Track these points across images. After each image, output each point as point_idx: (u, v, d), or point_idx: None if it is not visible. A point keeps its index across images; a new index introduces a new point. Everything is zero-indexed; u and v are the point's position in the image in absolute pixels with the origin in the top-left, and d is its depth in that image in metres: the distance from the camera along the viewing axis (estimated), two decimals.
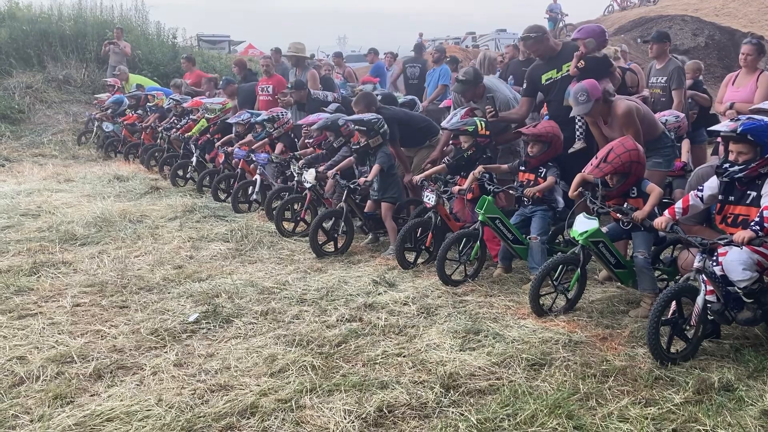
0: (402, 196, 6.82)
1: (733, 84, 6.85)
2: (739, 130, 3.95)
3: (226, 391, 3.77)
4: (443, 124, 6.89)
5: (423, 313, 4.94)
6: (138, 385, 3.86)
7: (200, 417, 3.48)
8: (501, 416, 3.43)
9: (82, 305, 5.15)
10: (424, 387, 3.75)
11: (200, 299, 5.22)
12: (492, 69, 7.96)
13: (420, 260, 6.21)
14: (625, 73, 7.56)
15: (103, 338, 4.52)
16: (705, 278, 4.02)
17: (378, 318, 4.81)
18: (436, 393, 3.69)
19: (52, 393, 3.72)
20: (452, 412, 3.50)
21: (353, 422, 3.40)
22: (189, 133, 10.49)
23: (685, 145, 6.85)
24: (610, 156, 4.74)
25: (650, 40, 7.85)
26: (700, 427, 3.32)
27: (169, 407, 3.56)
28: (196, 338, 4.53)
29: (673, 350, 4.13)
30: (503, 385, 3.79)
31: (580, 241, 4.76)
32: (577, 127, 6.01)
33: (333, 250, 6.64)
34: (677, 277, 4.90)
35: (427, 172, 6.27)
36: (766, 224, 3.82)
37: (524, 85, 6.50)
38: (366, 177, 6.53)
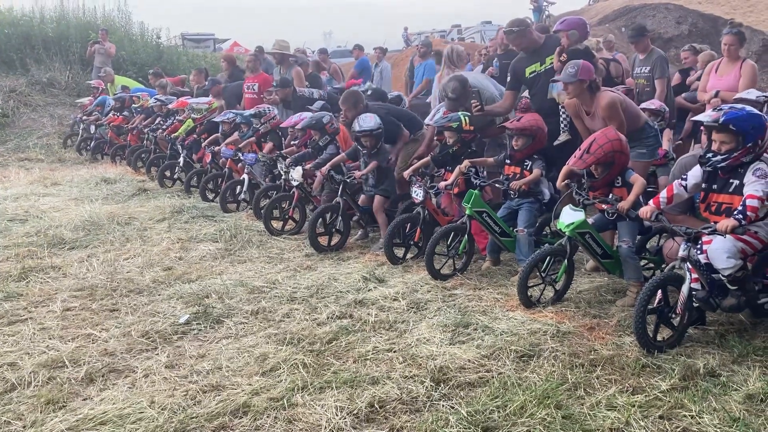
0: (395, 190, 6.87)
1: (716, 72, 6.92)
2: (721, 120, 3.99)
3: (218, 391, 3.79)
4: (427, 120, 6.91)
5: (413, 308, 4.98)
6: (130, 387, 3.87)
7: (193, 418, 3.50)
8: (491, 408, 3.48)
9: (72, 309, 5.14)
10: (415, 381, 3.79)
11: (190, 300, 5.23)
12: (461, 62, 7.99)
13: (409, 255, 6.24)
14: (609, 64, 7.62)
15: (94, 342, 4.53)
16: (690, 267, 4.06)
17: (368, 314, 4.84)
18: (426, 387, 3.72)
19: (44, 398, 3.72)
20: (443, 406, 3.54)
21: (345, 418, 3.43)
22: (176, 134, 10.48)
23: (667, 134, 6.92)
24: (593, 147, 4.78)
25: (631, 41, 7.93)
26: (686, 413, 3.38)
27: (162, 409, 3.58)
28: (187, 339, 4.55)
29: (659, 338, 4.18)
30: (493, 377, 3.84)
31: (566, 233, 4.80)
32: (561, 119, 6.06)
33: (326, 245, 6.65)
34: (663, 266, 4.96)
35: (414, 166, 6.30)
36: (749, 213, 3.86)
37: (508, 79, 6.54)
38: (361, 171, 6.60)
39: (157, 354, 4.31)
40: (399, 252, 6.23)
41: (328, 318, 4.80)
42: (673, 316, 4.15)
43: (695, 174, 4.30)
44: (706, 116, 4.16)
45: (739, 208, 3.92)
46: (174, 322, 4.79)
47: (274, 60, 10.07)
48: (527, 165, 5.66)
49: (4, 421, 3.54)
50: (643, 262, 5.15)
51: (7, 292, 5.47)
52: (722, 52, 6.90)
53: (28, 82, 16.57)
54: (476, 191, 5.59)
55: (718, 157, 4.07)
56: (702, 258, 4.11)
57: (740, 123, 3.98)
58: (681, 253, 4.06)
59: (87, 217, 7.89)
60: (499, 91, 6.76)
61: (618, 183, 4.89)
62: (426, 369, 3.92)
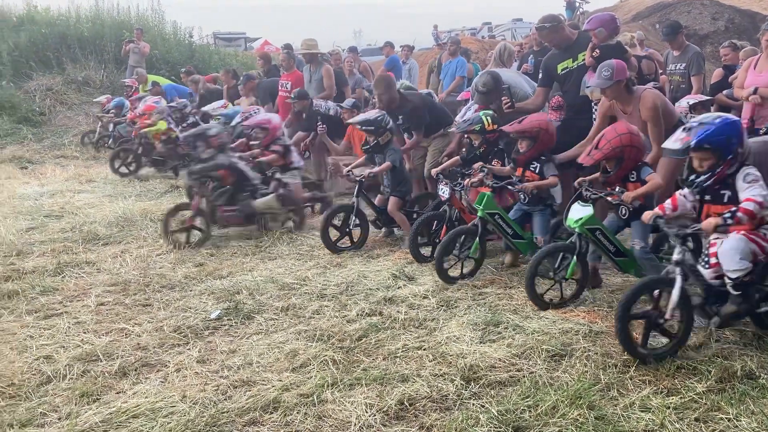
0: (411, 191, 6.83)
1: (754, 68, 6.75)
2: (692, 144, 3.79)
3: (249, 386, 3.82)
4: (457, 118, 6.88)
5: (443, 306, 4.96)
6: (162, 382, 3.91)
7: (224, 412, 3.53)
8: (522, 407, 3.44)
9: (106, 304, 5.23)
10: (445, 379, 3.77)
11: (222, 296, 5.27)
12: (510, 61, 7.92)
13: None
14: (641, 60, 7.50)
15: (127, 336, 4.60)
16: (682, 271, 3.85)
17: (398, 312, 4.83)
18: (456, 385, 3.70)
19: (78, 391, 3.79)
20: (473, 404, 3.51)
21: (374, 415, 3.43)
22: (145, 130, 10.70)
23: None
24: (601, 142, 4.66)
25: (665, 38, 7.79)
26: (723, 416, 3.30)
27: (193, 403, 3.61)
28: (219, 335, 4.59)
29: (654, 344, 4.02)
30: (524, 376, 3.80)
31: (576, 229, 4.72)
32: (595, 116, 5.97)
33: (349, 245, 6.64)
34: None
35: (442, 166, 6.27)
36: (739, 214, 3.68)
37: (540, 75, 6.47)
38: (371, 170, 6.56)
39: (189, 349, 4.36)
40: (425, 251, 6.20)
41: (357, 315, 4.80)
42: (662, 321, 3.92)
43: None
44: (674, 143, 3.92)
45: (732, 209, 3.74)
46: (205, 318, 4.84)
47: (304, 59, 10.06)
48: (534, 167, 5.49)
49: (40, 412, 3.61)
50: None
51: (43, 287, 5.58)
52: (761, 49, 6.73)
53: (64, 80, 16.87)
54: (489, 193, 5.52)
55: (702, 177, 3.90)
56: (708, 273, 3.96)
57: (713, 139, 3.78)
58: (675, 257, 3.85)
59: (120, 214, 8.01)
60: (532, 88, 6.70)
61: (633, 178, 4.74)
62: (456, 367, 3.89)
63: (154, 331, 4.67)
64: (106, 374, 4.02)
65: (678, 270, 3.83)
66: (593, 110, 5.98)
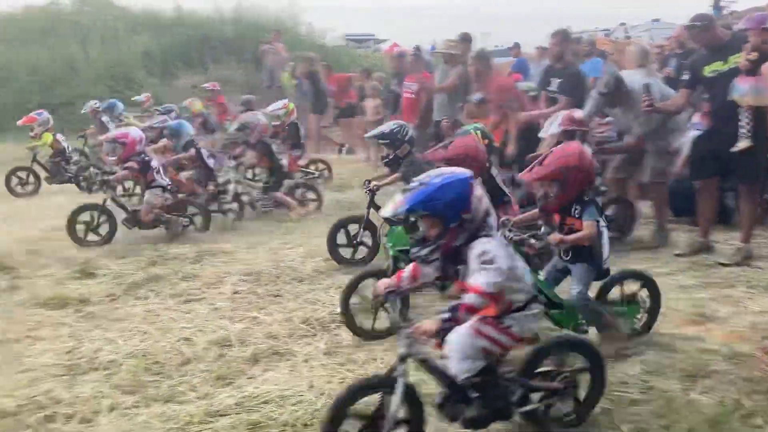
0: None
1: None
2: (401, 211, 2.99)
3: None
4: (540, 134, 6.61)
5: None
6: (291, 370, 4.06)
7: None
8: (655, 427, 3.28)
9: (240, 293, 5.49)
10: None
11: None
12: (648, 63, 7.54)
13: None
14: None
15: (259, 324, 4.81)
16: (406, 369, 2.95)
17: None
18: None
19: (215, 374, 4.01)
20: (603, 420, 3.38)
21: None
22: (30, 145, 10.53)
23: None
24: (547, 159, 3.93)
25: None
26: None
27: (320, 394, 3.72)
28: (345, 328, 4.69)
29: None
30: (657, 396, 3.61)
31: None
32: (743, 123, 5.57)
33: (350, 257, 6.15)
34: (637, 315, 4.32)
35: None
36: (460, 313, 2.87)
37: (684, 76, 6.13)
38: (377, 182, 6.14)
39: (316, 340, 4.49)
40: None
41: None
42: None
43: None
44: (388, 211, 3.12)
45: (451, 305, 2.93)
46: (332, 311, 4.96)
47: (442, 59, 9.97)
48: (577, 210, 3.96)
49: (180, 391, 3.85)
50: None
51: (184, 273, 5.96)
52: None
53: (207, 80, 17.90)
54: (398, 227, 4.80)
55: (424, 251, 3.04)
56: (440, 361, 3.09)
57: (427, 205, 2.95)
58: (400, 351, 2.96)
59: None
60: (667, 93, 6.36)
61: (576, 213, 3.92)
62: None
63: (284, 321, 4.85)
64: (240, 360, 4.22)
65: (402, 369, 2.94)
66: (741, 118, 5.58)
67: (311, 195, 8.70)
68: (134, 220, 7.24)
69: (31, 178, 10.54)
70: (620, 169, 6.60)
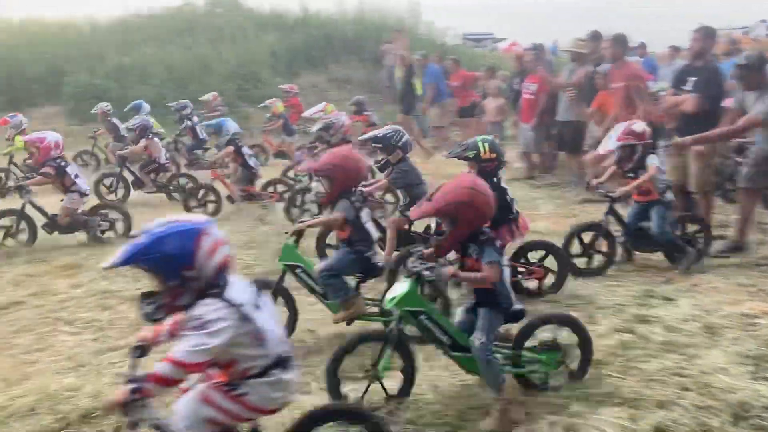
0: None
1: None
2: (116, 263, 2.60)
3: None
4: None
5: (705, 332, 4.53)
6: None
7: (470, 408, 3.62)
8: None
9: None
10: (709, 413, 3.45)
11: None
12: None
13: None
14: None
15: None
16: None
17: (652, 332, 4.52)
18: (722, 421, 3.38)
19: None
20: None
21: None
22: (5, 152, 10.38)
23: None
24: (437, 194, 3.66)
25: None
26: None
27: (441, 395, 3.74)
28: None
29: None
30: None
31: (394, 310, 3.72)
32: None
33: None
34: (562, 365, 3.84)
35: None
36: (146, 384, 2.51)
37: None
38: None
39: None
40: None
41: (607, 330, 4.58)
42: None
43: None
44: (107, 263, 2.64)
45: (138, 374, 2.58)
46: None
47: (570, 57, 9.68)
48: (473, 251, 3.66)
49: (303, 381, 3.96)
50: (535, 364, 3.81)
51: None
52: None
53: (327, 78, 18.41)
54: (289, 243, 4.74)
55: (149, 309, 2.68)
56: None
57: (141, 259, 2.59)
58: (128, 418, 2.57)
59: None
60: None
61: (474, 253, 3.61)
62: (724, 401, 3.54)
63: None
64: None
65: None
66: None
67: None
68: (53, 224, 7.28)
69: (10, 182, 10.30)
70: (752, 179, 6.19)
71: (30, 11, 20.28)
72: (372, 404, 3.56)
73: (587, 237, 5.95)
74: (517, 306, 3.69)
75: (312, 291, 4.83)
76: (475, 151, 5.06)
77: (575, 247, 5.92)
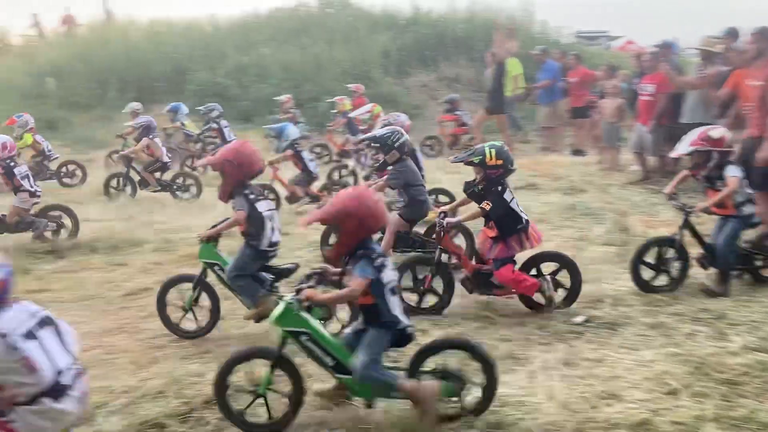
0: (420, 216, 6.07)
1: None
2: None
3: (615, 400, 3.71)
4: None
5: None
6: (528, 377, 4.01)
7: (590, 422, 3.48)
8: None
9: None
10: None
11: (583, 301, 5.17)
12: None
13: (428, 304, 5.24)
14: None
15: (492, 325, 4.85)
16: None
17: None
18: None
19: None
20: None
21: None
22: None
23: None
24: (332, 199, 3.67)
25: None
26: None
27: (560, 407, 3.63)
28: (582, 341, 4.53)
29: None
30: None
31: (276, 328, 3.58)
32: None
33: None
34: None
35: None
36: None
37: None
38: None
39: (554, 350, 4.39)
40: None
41: (740, 348, 4.29)
42: None
43: None
44: None
45: None
46: (569, 321, 4.83)
47: (700, 56, 9.14)
48: (349, 265, 3.59)
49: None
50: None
51: None
52: None
53: (437, 77, 18.37)
54: (208, 243, 4.95)
55: None
56: None
57: None
58: None
59: None
60: None
61: (350, 266, 3.50)
62: None
63: (516, 325, 4.83)
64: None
65: None
66: None
67: None
68: (1, 225, 7.35)
69: None
70: None
71: (157, 12, 21.52)
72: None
73: (661, 251, 5.48)
74: (406, 325, 3.53)
75: (229, 288, 4.99)
76: (480, 157, 4.98)
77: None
